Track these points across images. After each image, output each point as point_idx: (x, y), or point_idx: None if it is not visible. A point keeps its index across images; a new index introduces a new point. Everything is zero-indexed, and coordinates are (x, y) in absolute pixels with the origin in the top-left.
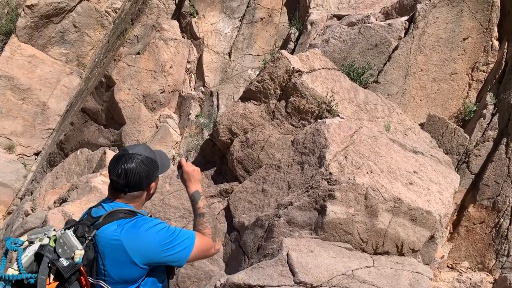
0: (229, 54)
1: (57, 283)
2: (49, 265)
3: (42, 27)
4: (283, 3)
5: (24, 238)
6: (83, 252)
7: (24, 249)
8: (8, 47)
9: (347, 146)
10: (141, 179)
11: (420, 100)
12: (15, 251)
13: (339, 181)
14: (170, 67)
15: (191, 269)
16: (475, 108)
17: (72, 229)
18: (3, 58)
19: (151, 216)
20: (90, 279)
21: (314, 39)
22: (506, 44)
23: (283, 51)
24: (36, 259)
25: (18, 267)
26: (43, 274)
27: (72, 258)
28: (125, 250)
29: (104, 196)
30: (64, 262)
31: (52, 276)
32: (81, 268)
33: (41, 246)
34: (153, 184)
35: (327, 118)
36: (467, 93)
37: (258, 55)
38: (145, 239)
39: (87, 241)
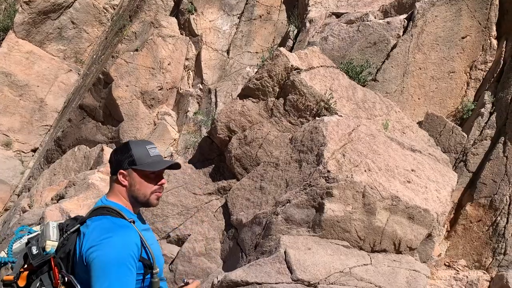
0: (228, 52)
1: (30, 270)
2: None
3: (39, 23)
4: (282, 0)
5: (37, 227)
6: (54, 243)
7: (22, 236)
8: (5, 43)
9: (345, 144)
10: (111, 161)
11: (418, 99)
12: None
13: (337, 179)
14: (168, 64)
15: (189, 266)
16: (473, 107)
17: (63, 222)
18: (0, 54)
19: (133, 222)
20: (64, 273)
21: (312, 36)
22: (505, 43)
23: (281, 48)
24: (26, 245)
25: (7, 251)
26: (20, 259)
27: (44, 247)
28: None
29: (102, 194)
30: (34, 250)
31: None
32: (52, 259)
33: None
34: (121, 172)
35: (326, 116)
36: (465, 91)
37: (256, 52)
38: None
39: (65, 235)
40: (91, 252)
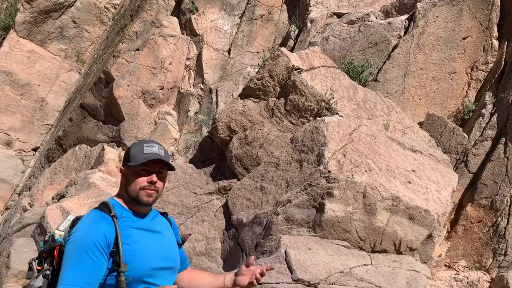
0: (229, 51)
1: (46, 255)
2: None
3: (41, 23)
4: (283, 0)
5: None
6: (61, 233)
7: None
8: (6, 42)
9: (346, 144)
10: None
11: (419, 99)
12: None
13: (337, 179)
14: (169, 64)
15: None
16: (474, 108)
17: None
18: (1, 53)
19: (114, 217)
20: None
21: (313, 37)
22: (506, 43)
23: (282, 48)
24: None
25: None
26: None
27: (53, 236)
28: None
29: (102, 193)
30: (47, 237)
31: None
32: (57, 247)
33: None
34: (121, 169)
35: (326, 116)
36: (466, 92)
37: (257, 52)
38: None
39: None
40: (67, 240)
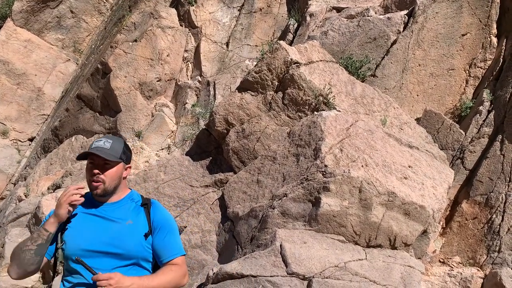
0: (227, 44)
1: None
2: None
3: (38, 12)
4: None
5: None
6: None
7: None
8: (3, 31)
9: (343, 139)
10: None
11: (417, 95)
12: None
13: (334, 174)
14: (167, 56)
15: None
16: (471, 105)
17: None
18: None
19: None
20: None
21: (313, 31)
22: (505, 41)
23: (281, 42)
24: None
25: None
26: None
27: None
28: None
29: None
30: None
31: None
32: None
33: None
34: None
35: (324, 110)
36: (464, 89)
37: (256, 45)
38: None
39: None
40: None
